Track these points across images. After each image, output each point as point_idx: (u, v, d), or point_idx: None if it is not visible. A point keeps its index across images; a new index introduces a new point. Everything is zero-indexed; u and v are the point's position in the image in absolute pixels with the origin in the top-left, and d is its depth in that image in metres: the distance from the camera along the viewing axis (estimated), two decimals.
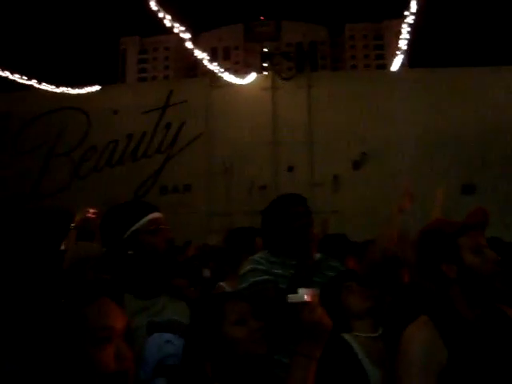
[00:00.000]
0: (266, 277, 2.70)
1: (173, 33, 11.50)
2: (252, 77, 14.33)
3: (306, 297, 1.84)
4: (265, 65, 14.81)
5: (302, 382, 1.80)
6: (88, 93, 14.80)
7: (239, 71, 14.76)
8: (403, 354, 1.97)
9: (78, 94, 14.72)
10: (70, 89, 14.76)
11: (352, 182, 12.91)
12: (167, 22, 10.76)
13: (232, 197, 13.04)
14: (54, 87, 14.69)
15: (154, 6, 10.22)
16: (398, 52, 13.39)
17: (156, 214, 2.21)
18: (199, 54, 12.72)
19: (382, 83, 13.60)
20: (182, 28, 11.10)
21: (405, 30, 12.12)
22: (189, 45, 11.90)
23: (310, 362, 1.81)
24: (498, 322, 2.03)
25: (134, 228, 2.14)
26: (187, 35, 11.45)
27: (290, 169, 13.29)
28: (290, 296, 1.87)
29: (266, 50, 17.98)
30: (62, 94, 14.71)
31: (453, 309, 2.01)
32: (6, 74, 13.59)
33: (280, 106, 13.63)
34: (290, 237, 2.86)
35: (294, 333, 1.87)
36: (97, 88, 14.88)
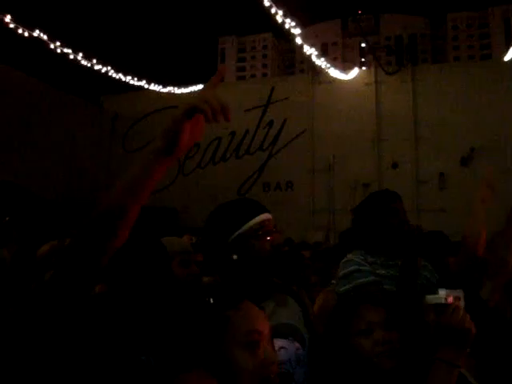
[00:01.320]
0: (371, 278, 2.52)
1: (277, 29, 11.44)
2: (354, 72, 14.11)
3: (447, 298, 1.72)
4: (364, 60, 14.51)
5: None
6: (192, 92, 15.20)
7: (338, 67, 14.57)
8: None
9: (182, 94, 15.16)
10: (175, 88, 15.23)
11: (460, 178, 12.36)
12: (279, 18, 10.71)
13: (335, 194, 12.94)
14: (160, 87, 15.21)
15: (266, 2, 10.25)
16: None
17: (264, 216, 2.06)
18: (308, 49, 12.57)
19: (490, 74, 12.92)
20: (293, 24, 11.00)
21: None
22: (298, 40, 11.79)
23: (452, 370, 1.65)
24: None
25: (240, 231, 2.01)
26: (297, 31, 11.35)
27: (395, 166, 12.96)
28: (428, 297, 1.76)
29: (364, 44, 17.62)
30: (168, 94, 15.20)
31: None
32: (120, 75, 14.18)
33: (383, 101, 13.34)
34: (390, 234, 2.66)
35: (432, 338, 1.73)
36: (200, 87, 15.23)
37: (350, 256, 2.69)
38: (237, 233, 2.00)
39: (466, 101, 12.51)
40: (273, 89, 14.30)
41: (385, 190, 2.92)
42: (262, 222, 2.03)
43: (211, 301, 1.53)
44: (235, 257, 1.99)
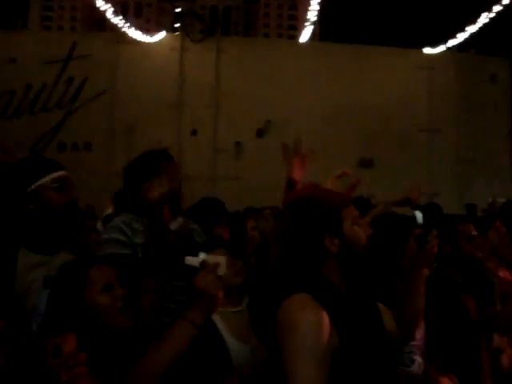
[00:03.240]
0: (124, 251, 2.38)
1: None
2: (161, 36, 13.98)
3: (200, 261, 1.75)
4: (176, 25, 14.51)
5: (176, 346, 1.69)
6: None
7: (150, 30, 14.38)
8: (291, 337, 1.65)
9: None
10: None
11: (255, 149, 13.05)
12: None
13: (134, 157, 12.77)
14: None
15: None
16: (306, 23, 13.53)
17: (62, 172, 2.21)
18: (103, 5, 12.06)
19: (290, 53, 13.76)
20: None
21: (314, 1, 12.18)
22: None
23: (191, 329, 1.70)
24: (359, 293, 1.94)
25: (38, 183, 2.13)
26: None
27: (194, 132, 13.21)
28: (187, 258, 1.78)
29: (178, 10, 17.57)
30: None
31: (331, 284, 1.81)
32: None
33: (187, 67, 13.43)
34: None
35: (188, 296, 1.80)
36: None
37: (115, 220, 2.54)
38: (36, 183, 2.13)
39: (266, 75, 13.14)
40: (75, 43, 13.53)
41: (161, 149, 2.68)
42: (61, 178, 2.19)
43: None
44: (32, 206, 2.12)
